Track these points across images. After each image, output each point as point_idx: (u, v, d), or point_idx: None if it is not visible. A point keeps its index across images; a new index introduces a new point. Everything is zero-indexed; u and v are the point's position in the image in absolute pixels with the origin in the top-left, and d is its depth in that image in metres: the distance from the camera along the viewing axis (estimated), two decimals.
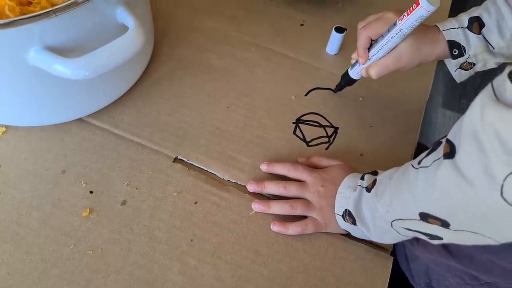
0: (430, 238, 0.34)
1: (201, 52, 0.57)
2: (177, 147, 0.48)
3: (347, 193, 0.41)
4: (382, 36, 0.42)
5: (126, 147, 0.47)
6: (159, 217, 0.43)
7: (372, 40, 0.44)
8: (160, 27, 0.58)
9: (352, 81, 0.50)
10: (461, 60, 0.44)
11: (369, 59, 0.45)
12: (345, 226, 0.41)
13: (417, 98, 0.56)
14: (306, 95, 0.55)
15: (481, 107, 0.25)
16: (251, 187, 0.45)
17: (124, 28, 0.40)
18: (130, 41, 0.38)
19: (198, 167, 0.47)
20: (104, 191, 0.44)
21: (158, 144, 0.48)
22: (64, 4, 0.33)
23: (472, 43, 0.43)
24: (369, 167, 0.43)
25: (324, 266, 0.42)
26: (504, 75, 0.25)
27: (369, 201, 0.38)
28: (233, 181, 0.46)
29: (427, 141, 1.09)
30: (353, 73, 0.49)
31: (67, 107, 0.46)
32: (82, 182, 0.44)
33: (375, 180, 0.39)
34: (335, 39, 0.57)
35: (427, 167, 0.31)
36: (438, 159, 0.29)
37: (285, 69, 0.57)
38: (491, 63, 0.45)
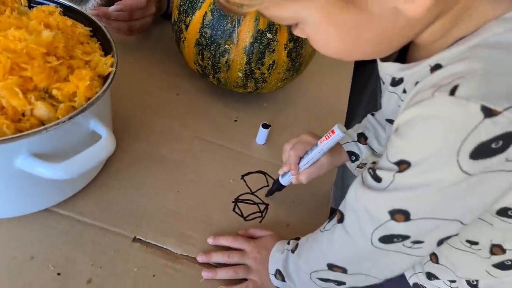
0: (337, 284, 0.46)
1: (154, 147, 0.68)
2: (136, 228, 0.56)
3: (276, 256, 0.52)
4: (307, 153, 0.57)
5: (89, 231, 0.54)
6: None
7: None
8: (118, 126, 0.69)
9: (282, 187, 0.64)
10: (357, 163, 0.62)
11: (298, 171, 0.59)
12: (277, 283, 0.52)
13: (324, 182, 0.71)
14: (241, 178, 0.67)
15: (355, 189, 0.40)
16: (201, 258, 0.54)
17: (94, 134, 0.50)
18: (103, 147, 0.47)
19: (155, 244, 0.55)
20: (70, 272, 0.50)
21: (118, 227, 0.56)
22: (54, 122, 0.43)
23: (363, 151, 0.62)
24: (294, 234, 0.55)
25: None
26: (366, 168, 0.40)
27: (294, 260, 0.50)
28: (185, 254, 0.55)
29: None
30: (284, 181, 0.62)
31: (36, 199, 0.53)
32: (50, 266, 0.50)
33: (297, 244, 0.51)
34: (262, 132, 0.73)
35: (329, 230, 0.45)
36: (334, 224, 0.44)
37: (224, 158, 0.70)
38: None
